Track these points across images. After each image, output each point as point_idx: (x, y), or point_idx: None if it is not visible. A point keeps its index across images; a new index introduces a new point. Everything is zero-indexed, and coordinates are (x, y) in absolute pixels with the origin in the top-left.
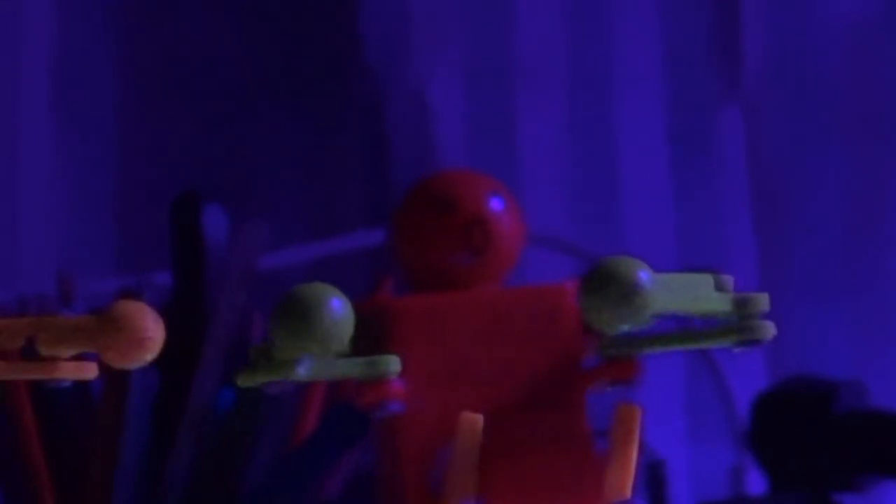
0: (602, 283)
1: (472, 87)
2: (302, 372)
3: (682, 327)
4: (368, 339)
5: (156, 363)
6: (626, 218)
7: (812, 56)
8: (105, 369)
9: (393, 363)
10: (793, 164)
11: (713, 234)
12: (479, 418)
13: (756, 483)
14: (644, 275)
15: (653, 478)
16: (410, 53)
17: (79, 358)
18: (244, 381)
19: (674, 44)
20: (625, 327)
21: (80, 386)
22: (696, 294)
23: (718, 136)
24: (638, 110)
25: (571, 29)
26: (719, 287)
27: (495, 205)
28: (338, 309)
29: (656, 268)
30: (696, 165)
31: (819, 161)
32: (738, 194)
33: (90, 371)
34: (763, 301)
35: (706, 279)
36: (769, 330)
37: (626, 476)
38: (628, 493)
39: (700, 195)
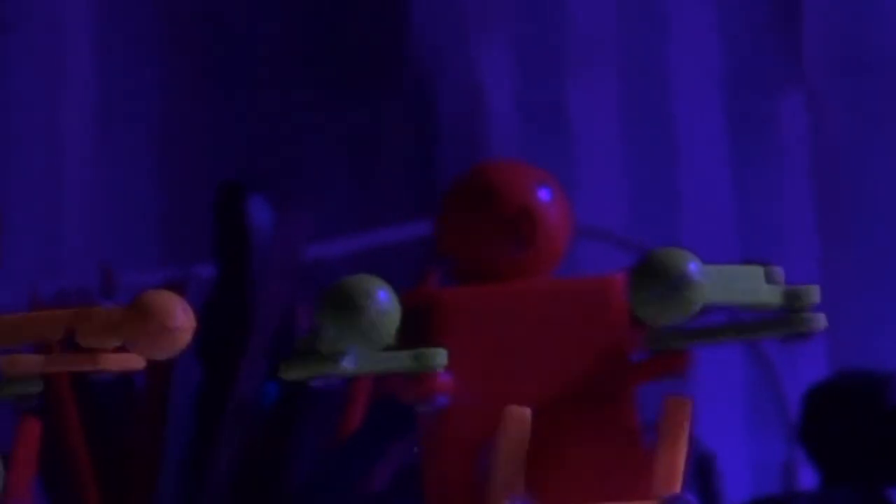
0: (651, 275)
1: (524, 75)
2: (347, 365)
3: (732, 320)
4: (415, 331)
5: (200, 355)
6: (684, 208)
7: (875, 40)
8: (148, 362)
9: (440, 356)
10: (855, 152)
11: (773, 225)
12: (526, 412)
13: (809, 478)
14: (693, 267)
15: (703, 472)
16: (461, 40)
17: (122, 350)
18: (289, 374)
19: (732, 28)
20: (674, 320)
21: (123, 379)
22: (746, 286)
23: (779, 123)
24: (695, 97)
25: (626, 14)
26: (770, 279)
27: (543, 196)
28: (384, 301)
29: (714, 259)
30: (757, 154)
31: (882, 148)
32: (800, 183)
33: (134, 363)
34: (814, 293)
35: (756, 271)
36: (819, 322)
37: (675, 470)
38: (677, 487)
39: (760, 184)
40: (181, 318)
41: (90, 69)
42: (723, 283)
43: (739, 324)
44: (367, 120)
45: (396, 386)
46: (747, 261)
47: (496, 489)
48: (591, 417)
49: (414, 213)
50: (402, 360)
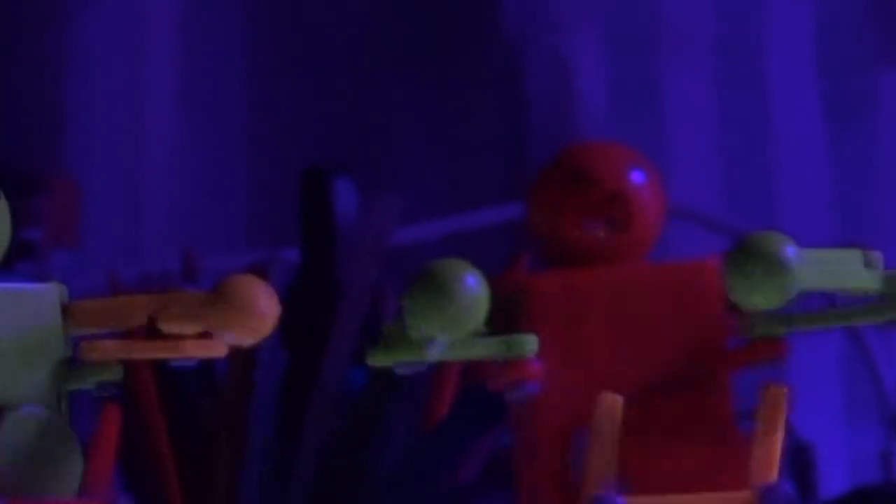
0: (747, 259)
1: (615, 54)
2: (435, 352)
3: (830, 305)
4: (504, 317)
5: (284, 342)
6: (779, 190)
7: None
8: (231, 348)
9: (530, 342)
10: None
11: (871, 207)
12: (619, 399)
13: None
14: (790, 251)
15: (800, 461)
16: (550, 18)
17: (204, 336)
18: (375, 360)
19: (827, 5)
20: (771, 305)
21: (205, 366)
22: (844, 271)
23: (876, 102)
24: (790, 76)
25: None
26: (868, 264)
27: (636, 178)
28: (473, 286)
29: (810, 243)
30: (853, 134)
31: None
32: None
33: (216, 349)
34: None
35: (855, 255)
36: None
37: (771, 459)
38: (774, 476)
39: (857, 166)
40: (265, 303)
41: (173, 49)
42: (820, 267)
43: (837, 309)
44: (456, 101)
45: (486, 373)
46: (845, 245)
47: (589, 478)
48: (685, 405)
49: (503, 197)
50: (491, 347)
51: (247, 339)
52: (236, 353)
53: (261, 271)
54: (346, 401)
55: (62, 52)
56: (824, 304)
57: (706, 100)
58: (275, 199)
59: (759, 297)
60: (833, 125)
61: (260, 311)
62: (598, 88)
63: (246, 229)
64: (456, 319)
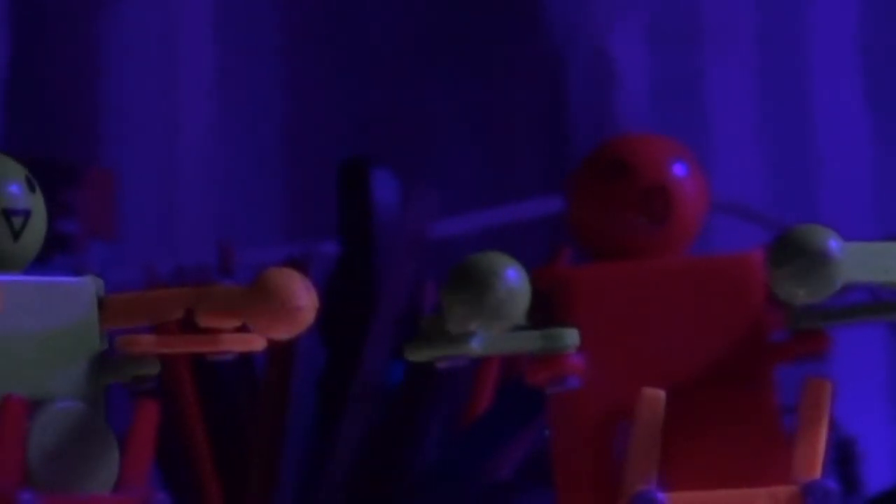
0: (790, 252)
1: (656, 45)
2: (475, 346)
3: (874, 299)
4: (545, 311)
5: (322, 336)
6: (822, 182)
7: None
8: (269, 342)
9: (571, 336)
10: None
11: None
12: (660, 394)
13: None
14: (834, 244)
15: (844, 455)
16: (591, 9)
17: (242, 330)
18: (414, 354)
19: None
20: (814, 298)
21: (243, 360)
22: (888, 264)
23: None
24: (833, 68)
25: None
26: None
27: (677, 170)
28: (513, 279)
29: (853, 236)
30: None
31: None
32: None
33: (255, 343)
34: None
35: None
36: None
37: (815, 454)
38: (818, 472)
39: None
40: (304, 296)
41: (210, 39)
42: (864, 260)
43: (881, 303)
44: (497, 93)
45: (526, 367)
46: (889, 237)
47: (630, 475)
48: (728, 400)
49: (544, 189)
50: (531, 341)
51: (285, 334)
52: (275, 347)
53: (299, 265)
54: (385, 396)
55: (98, 42)
56: (868, 297)
57: (748, 92)
58: (313, 191)
59: (802, 291)
60: (876, 116)
61: (298, 304)
62: (640, 81)
63: (283, 222)
64: (496, 313)
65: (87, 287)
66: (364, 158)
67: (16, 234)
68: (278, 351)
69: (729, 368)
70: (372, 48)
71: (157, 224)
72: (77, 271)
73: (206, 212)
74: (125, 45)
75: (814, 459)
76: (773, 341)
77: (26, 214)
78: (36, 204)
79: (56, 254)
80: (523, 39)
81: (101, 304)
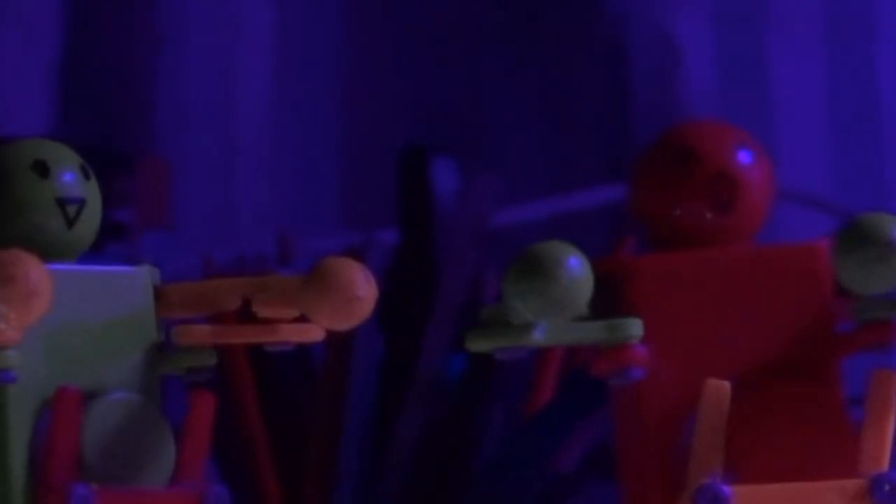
0: (857, 241)
1: (722, 30)
2: (538, 336)
3: None
4: (608, 300)
5: (382, 326)
6: (890, 171)
7: None
8: (328, 333)
9: (635, 327)
10: None
11: None
12: (726, 385)
13: None
14: None
15: None
16: None
17: (300, 320)
18: (475, 345)
19: None
20: (881, 289)
21: (301, 351)
22: None
23: None
24: None
25: None
26: None
27: (743, 158)
28: (576, 269)
29: None
30: None
31: None
32: None
33: (313, 334)
34: None
35: None
36: None
37: (883, 447)
38: (885, 465)
39: None
40: (363, 286)
41: (267, 26)
42: None
43: None
44: (560, 80)
45: (589, 358)
46: None
47: (695, 466)
48: (794, 391)
49: (607, 177)
50: (594, 331)
51: (344, 324)
52: (333, 337)
53: (358, 254)
54: (445, 387)
55: (153, 29)
56: None
57: (815, 78)
58: (371, 179)
59: (868, 281)
60: None
61: (357, 294)
62: (705, 66)
63: (342, 210)
64: (558, 303)
65: (142, 276)
66: (424, 146)
67: (70, 223)
68: (337, 342)
69: (794, 359)
70: (431, 35)
71: (215, 213)
72: (132, 261)
73: (264, 200)
74: (181, 32)
75: (881, 452)
76: (840, 332)
77: (81, 203)
78: (91, 192)
79: (111, 243)
80: (587, 24)
81: (158, 294)
